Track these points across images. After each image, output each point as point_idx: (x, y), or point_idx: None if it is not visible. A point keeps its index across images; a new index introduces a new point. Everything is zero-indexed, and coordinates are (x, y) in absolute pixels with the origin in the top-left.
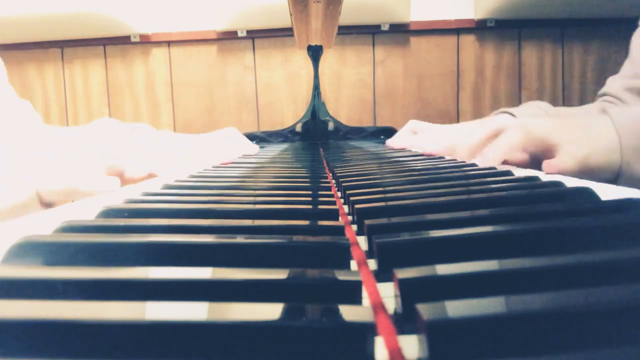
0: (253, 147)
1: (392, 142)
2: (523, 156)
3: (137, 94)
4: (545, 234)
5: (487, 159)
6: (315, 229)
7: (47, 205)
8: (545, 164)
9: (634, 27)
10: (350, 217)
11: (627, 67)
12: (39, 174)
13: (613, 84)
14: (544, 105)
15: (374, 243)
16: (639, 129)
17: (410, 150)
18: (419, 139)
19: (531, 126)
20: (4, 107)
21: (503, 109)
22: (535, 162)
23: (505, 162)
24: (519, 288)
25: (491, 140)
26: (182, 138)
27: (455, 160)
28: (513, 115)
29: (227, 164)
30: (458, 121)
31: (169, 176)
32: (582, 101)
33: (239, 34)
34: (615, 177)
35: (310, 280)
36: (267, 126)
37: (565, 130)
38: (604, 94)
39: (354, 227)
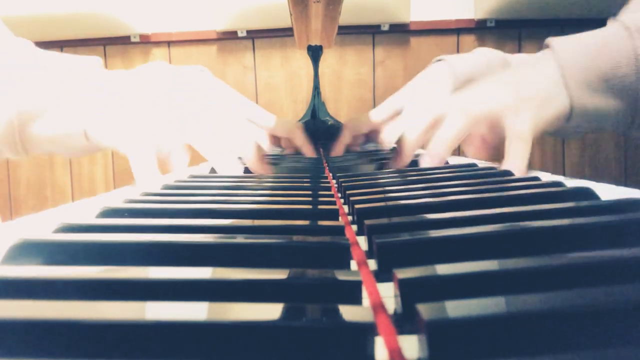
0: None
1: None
2: (478, 141)
3: None
4: (545, 234)
5: (433, 156)
6: (315, 229)
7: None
8: (504, 165)
9: None
10: (350, 217)
11: None
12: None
13: None
14: (489, 54)
15: (374, 243)
16: (585, 59)
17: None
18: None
19: (470, 106)
20: None
21: (443, 55)
22: (495, 146)
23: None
24: (519, 288)
25: (432, 129)
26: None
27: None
28: (451, 63)
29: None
30: None
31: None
32: None
33: (239, 34)
34: (567, 118)
35: (310, 280)
36: None
37: (506, 94)
38: None
39: (354, 227)
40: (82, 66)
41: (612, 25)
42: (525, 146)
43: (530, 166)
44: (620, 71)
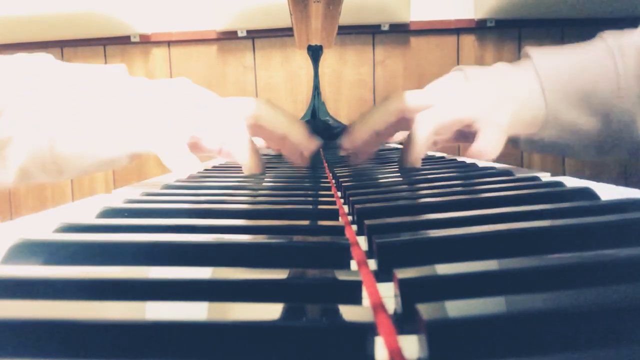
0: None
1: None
2: (445, 137)
3: None
4: (545, 234)
5: (409, 163)
6: (315, 229)
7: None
8: (470, 151)
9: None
10: (350, 217)
11: None
12: (133, 133)
13: None
14: (503, 68)
15: (374, 243)
16: (564, 72)
17: None
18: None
19: (440, 113)
20: None
21: (459, 66)
22: (462, 135)
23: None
24: (519, 288)
25: (398, 124)
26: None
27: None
28: (466, 72)
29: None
30: None
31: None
32: None
33: (239, 34)
34: (542, 126)
35: (310, 280)
36: None
37: (482, 99)
38: None
39: (354, 227)
40: (107, 76)
41: (595, 43)
42: (499, 132)
43: (530, 166)
44: (599, 89)
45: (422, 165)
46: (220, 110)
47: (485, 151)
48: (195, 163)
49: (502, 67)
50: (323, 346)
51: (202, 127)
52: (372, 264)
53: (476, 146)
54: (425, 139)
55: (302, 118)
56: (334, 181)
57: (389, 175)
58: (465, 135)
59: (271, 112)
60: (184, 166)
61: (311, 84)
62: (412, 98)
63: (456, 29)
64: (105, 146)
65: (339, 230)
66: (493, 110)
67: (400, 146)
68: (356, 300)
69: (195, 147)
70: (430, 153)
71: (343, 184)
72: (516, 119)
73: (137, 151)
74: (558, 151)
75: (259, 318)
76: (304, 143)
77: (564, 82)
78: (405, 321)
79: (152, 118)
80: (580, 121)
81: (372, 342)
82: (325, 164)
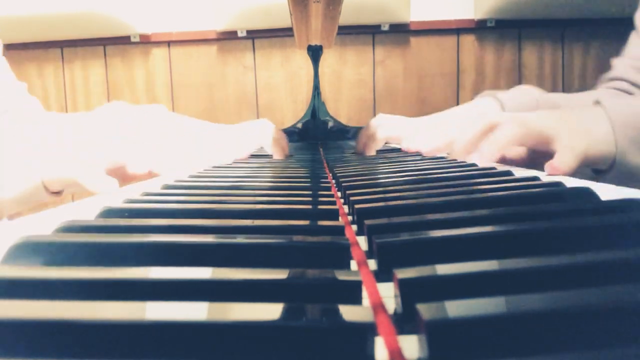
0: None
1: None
2: (521, 150)
3: (137, 94)
4: (545, 234)
5: (484, 155)
6: (315, 229)
7: (56, 194)
8: (548, 166)
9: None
10: (350, 217)
11: (634, 44)
12: (44, 162)
13: (621, 65)
14: (535, 92)
15: (374, 243)
16: (633, 120)
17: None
18: (415, 137)
19: (527, 119)
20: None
21: (488, 91)
22: (532, 158)
23: (503, 160)
24: (519, 288)
25: (486, 135)
26: (197, 126)
27: (455, 160)
28: (498, 99)
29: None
30: None
31: (169, 176)
32: None
33: (239, 34)
34: (609, 167)
35: (310, 280)
36: None
37: (561, 123)
38: (613, 79)
39: (354, 227)
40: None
41: None
42: (575, 157)
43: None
44: None
45: (422, 165)
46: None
47: (560, 169)
48: (112, 184)
49: (574, 108)
50: (323, 346)
51: (124, 154)
52: (372, 264)
53: (556, 163)
54: (508, 138)
55: (302, 118)
56: (334, 181)
57: (389, 175)
58: (534, 157)
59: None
60: (101, 185)
61: (311, 84)
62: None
63: (456, 29)
64: (13, 182)
65: (339, 230)
66: (574, 136)
67: (397, 146)
68: (356, 300)
69: (120, 172)
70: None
71: (343, 184)
72: (589, 148)
73: (51, 178)
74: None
75: (259, 318)
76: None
77: (633, 128)
78: (405, 321)
79: (66, 148)
80: None
81: (372, 342)
82: (325, 164)
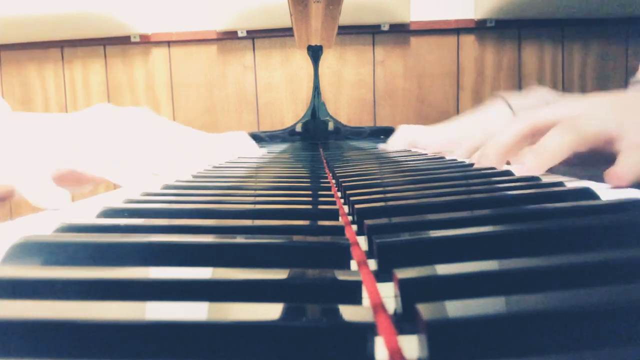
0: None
1: (387, 147)
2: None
3: (137, 94)
4: (545, 234)
5: (530, 168)
6: (315, 229)
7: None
8: (609, 174)
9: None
10: (350, 217)
11: None
12: None
13: None
14: (546, 95)
15: (374, 243)
16: None
17: (410, 150)
18: (422, 139)
19: (582, 122)
20: None
21: (501, 93)
22: (583, 158)
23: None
24: (519, 288)
25: (527, 141)
26: (181, 132)
27: (455, 159)
28: (510, 106)
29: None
30: None
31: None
32: None
33: (239, 34)
34: None
35: (310, 280)
36: (267, 126)
37: (624, 113)
38: None
39: (354, 227)
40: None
41: None
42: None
43: None
44: None
45: (422, 165)
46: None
47: (625, 178)
48: (61, 197)
49: (628, 92)
50: (323, 346)
51: (77, 158)
52: (372, 264)
53: (618, 169)
54: (561, 151)
55: (302, 118)
56: (334, 181)
57: (389, 175)
58: (595, 159)
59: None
60: (46, 198)
61: (311, 84)
62: (542, 115)
63: (456, 29)
64: None
65: (339, 230)
66: (634, 130)
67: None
68: (356, 300)
69: (73, 177)
70: (432, 154)
71: (343, 184)
72: None
73: None
74: None
75: (259, 318)
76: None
77: None
78: (405, 321)
79: (8, 149)
80: None
81: (372, 342)
82: (325, 164)
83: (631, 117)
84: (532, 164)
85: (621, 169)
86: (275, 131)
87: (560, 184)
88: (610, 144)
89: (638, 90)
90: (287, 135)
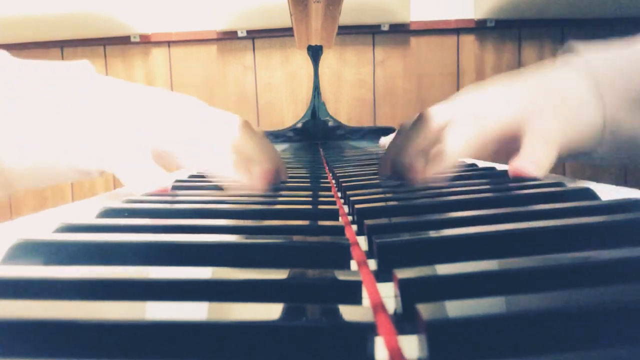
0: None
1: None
2: (485, 154)
3: None
4: (545, 234)
5: (426, 179)
6: (315, 229)
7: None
8: (512, 167)
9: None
10: (350, 217)
11: None
12: (74, 143)
13: None
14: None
15: (374, 243)
16: (623, 73)
17: None
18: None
19: (484, 120)
20: None
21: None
22: (496, 151)
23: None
24: (519, 288)
25: (430, 147)
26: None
27: None
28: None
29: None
30: None
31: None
32: None
33: (239, 34)
34: (597, 143)
35: (310, 280)
36: (267, 126)
37: (526, 101)
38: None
39: (354, 227)
40: (68, 76)
41: None
42: (547, 146)
43: None
44: None
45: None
46: (201, 129)
47: (529, 170)
48: (159, 178)
49: (541, 69)
50: (323, 346)
51: (175, 143)
52: (372, 264)
53: (519, 163)
54: (456, 157)
55: (302, 118)
56: (334, 181)
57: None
58: (509, 152)
59: (250, 143)
60: (142, 182)
61: (311, 84)
62: (437, 114)
63: (456, 29)
64: (67, 158)
65: (339, 230)
66: (538, 118)
67: None
68: (356, 300)
69: (165, 160)
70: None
71: (343, 184)
72: (567, 127)
73: (77, 167)
74: (612, 165)
75: (259, 318)
76: (267, 175)
77: (624, 83)
78: (405, 321)
79: (111, 128)
80: None
81: (372, 342)
82: (325, 164)
83: (531, 103)
84: (434, 177)
85: (527, 161)
86: (275, 131)
87: (561, 184)
88: (514, 138)
89: (552, 68)
90: (287, 135)
